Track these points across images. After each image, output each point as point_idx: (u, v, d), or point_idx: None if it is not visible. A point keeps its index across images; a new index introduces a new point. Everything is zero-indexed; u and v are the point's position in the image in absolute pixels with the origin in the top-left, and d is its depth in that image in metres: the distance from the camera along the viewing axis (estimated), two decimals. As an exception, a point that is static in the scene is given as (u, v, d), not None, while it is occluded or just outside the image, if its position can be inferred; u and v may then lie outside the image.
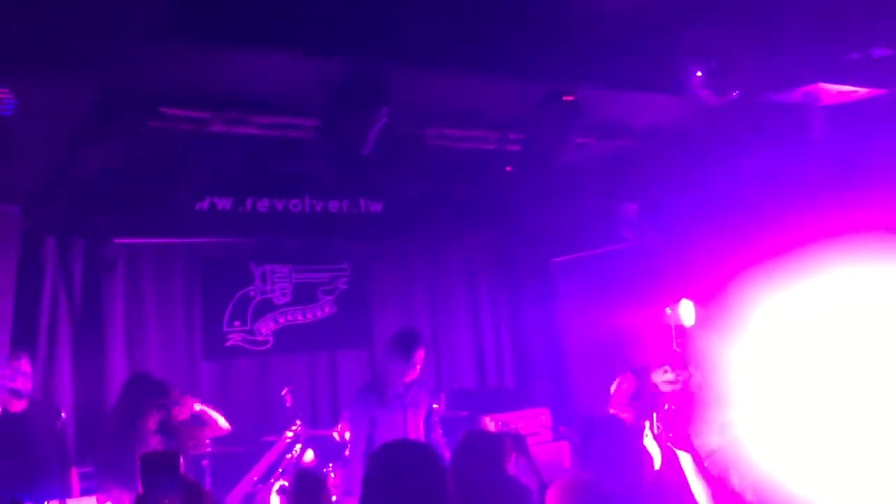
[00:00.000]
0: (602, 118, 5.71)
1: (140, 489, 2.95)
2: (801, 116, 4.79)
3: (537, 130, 5.31)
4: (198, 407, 5.14)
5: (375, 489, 2.52)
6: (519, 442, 4.09)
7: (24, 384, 4.89)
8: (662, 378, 5.12)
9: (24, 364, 4.94)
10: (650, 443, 3.88)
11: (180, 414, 4.96)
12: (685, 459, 3.72)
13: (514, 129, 5.89)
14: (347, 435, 5.47)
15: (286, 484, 3.46)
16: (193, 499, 3.11)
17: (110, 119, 4.30)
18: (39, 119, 4.00)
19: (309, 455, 5.67)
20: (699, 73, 4.15)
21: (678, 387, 5.11)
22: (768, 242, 5.67)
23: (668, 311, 6.95)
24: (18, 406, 4.91)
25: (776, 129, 5.18)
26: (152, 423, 4.66)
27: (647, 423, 4.00)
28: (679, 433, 3.88)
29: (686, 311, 6.80)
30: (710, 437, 4.89)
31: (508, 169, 6.66)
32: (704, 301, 6.51)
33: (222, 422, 5.29)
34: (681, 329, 6.86)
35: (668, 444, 3.86)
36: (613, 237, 7.19)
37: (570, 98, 4.98)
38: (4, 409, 4.79)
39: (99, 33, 3.37)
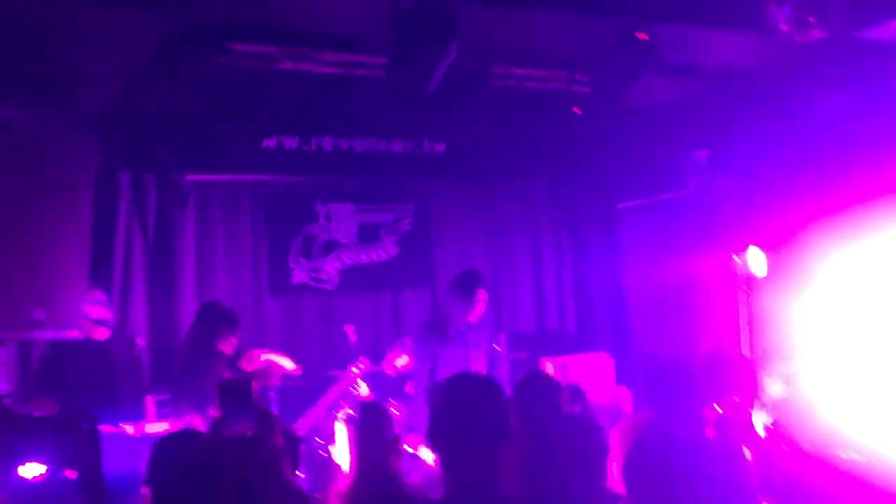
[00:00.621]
0: (675, 58, 5.52)
1: (215, 413, 3.06)
2: (887, 56, 4.55)
3: (607, 71, 5.19)
4: (263, 357, 5.26)
5: (443, 419, 2.55)
6: (577, 393, 4.13)
7: (106, 313, 5.09)
8: (774, 390, 4.83)
9: (99, 294, 5.13)
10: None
11: (247, 367, 5.09)
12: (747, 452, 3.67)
13: (582, 69, 5.76)
14: (399, 362, 5.56)
15: (351, 413, 3.54)
16: (266, 425, 3.22)
17: (181, 53, 4.35)
18: (114, 51, 4.07)
19: (364, 389, 5.77)
20: (784, 8, 3.95)
21: (785, 397, 4.79)
22: (846, 191, 5.47)
23: (735, 258, 6.80)
24: (102, 334, 5.12)
25: (860, 69, 4.94)
26: (225, 346, 4.79)
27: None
28: (744, 426, 3.80)
29: (754, 260, 6.65)
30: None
31: (576, 110, 6.54)
32: (773, 250, 6.35)
33: (289, 365, 5.40)
34: (748, 278, 6.72)
35: (733, 435, 3.80)
36: (680, 183, 7.04)
37: (644, 36, 4.83)
38: (88, 337, 5.00)
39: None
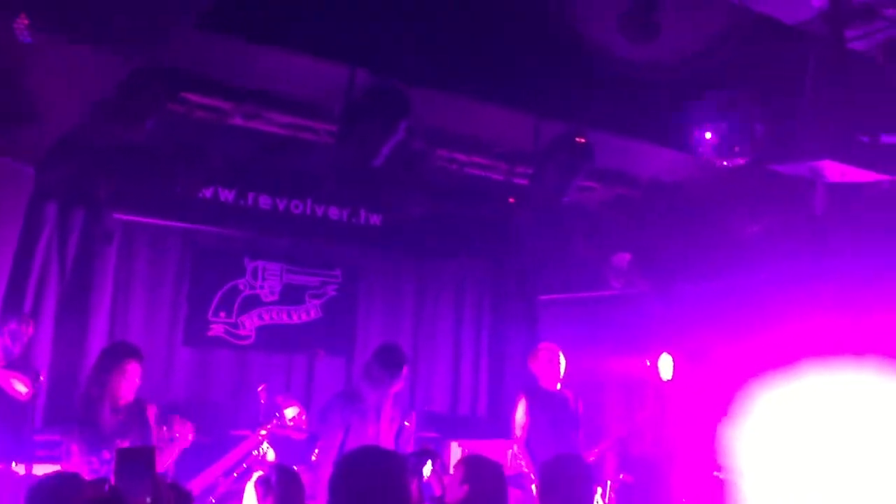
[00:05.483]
0: (610, 165, 5.83)
1: (112, 480, 2.96)
2: (804, 189, 4.92)
3: (546, 168, 5.40)
4: None
5: (341, 494, 2.53)
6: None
7: (16, 348, 4.89)
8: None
9: (31, 329, 4.93)
10: None
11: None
12: None
13: (522, 162, 6.01)
14: (289, 412, 5.47)
15: (262, 474, 3.48)
16: (164, 497, 3.11)
17: (134, 96, 4.37)
18: (67, 84, 4.07)
19: (270, 454, 5.64)
20: (708, 135, 4.26)
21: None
22: (761, 308, 5.77)
23: (647, 363, 7.03)
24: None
25: (779, 198, 5.30)
26: (119, 379, 4.58)
27: (600, 490, 4.05)
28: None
29: (665, 366, 6.88)
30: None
31: (511, 200, 6.77)
32: (686, 358, 6.60)
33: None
34: (659, 382, 6.94)
35: None
36: (602, 283, 7.29)
37: (582, 140, 5.09)
38: None
39: (142, 14, 3.46)
